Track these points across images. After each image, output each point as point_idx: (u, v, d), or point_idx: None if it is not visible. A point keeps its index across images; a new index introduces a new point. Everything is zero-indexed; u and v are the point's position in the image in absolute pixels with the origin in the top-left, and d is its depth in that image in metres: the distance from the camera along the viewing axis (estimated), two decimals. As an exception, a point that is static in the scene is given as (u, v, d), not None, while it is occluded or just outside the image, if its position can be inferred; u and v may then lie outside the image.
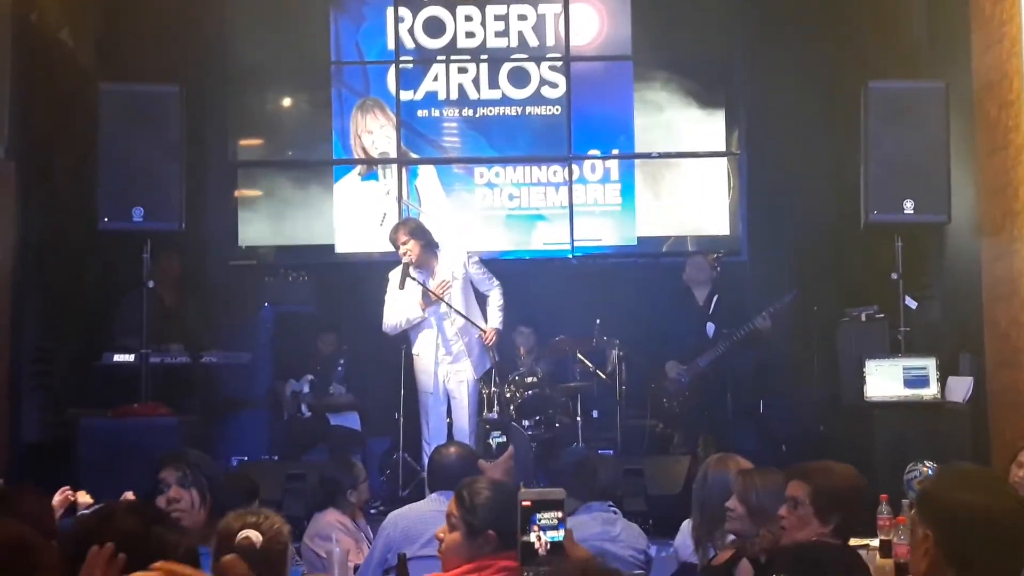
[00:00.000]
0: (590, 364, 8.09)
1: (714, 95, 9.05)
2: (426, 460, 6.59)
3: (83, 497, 4.13)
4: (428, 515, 4.42)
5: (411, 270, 7.00)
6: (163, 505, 3.78)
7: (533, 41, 9.08)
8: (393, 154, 8.96)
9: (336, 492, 5.35)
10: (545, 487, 3.87)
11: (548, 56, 9.05)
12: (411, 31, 9.06)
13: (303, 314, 8.77)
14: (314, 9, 9.06)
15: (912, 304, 7.02)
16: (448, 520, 3.38)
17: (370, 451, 8.08)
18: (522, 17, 9.09)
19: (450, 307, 7.05)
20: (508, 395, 7.64)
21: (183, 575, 2.19)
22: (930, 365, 6.70)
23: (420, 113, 9.05)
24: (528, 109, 9.05)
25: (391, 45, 9.02)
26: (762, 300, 7.72)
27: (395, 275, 7.09)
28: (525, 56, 9.06)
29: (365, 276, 7.90)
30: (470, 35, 9.09)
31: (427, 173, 9.05)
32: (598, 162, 9.05)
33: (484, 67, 9.05)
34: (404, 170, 8.95)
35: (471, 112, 9.06)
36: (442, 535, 3.40)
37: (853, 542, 3.84)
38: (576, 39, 9.01)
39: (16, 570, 2.32)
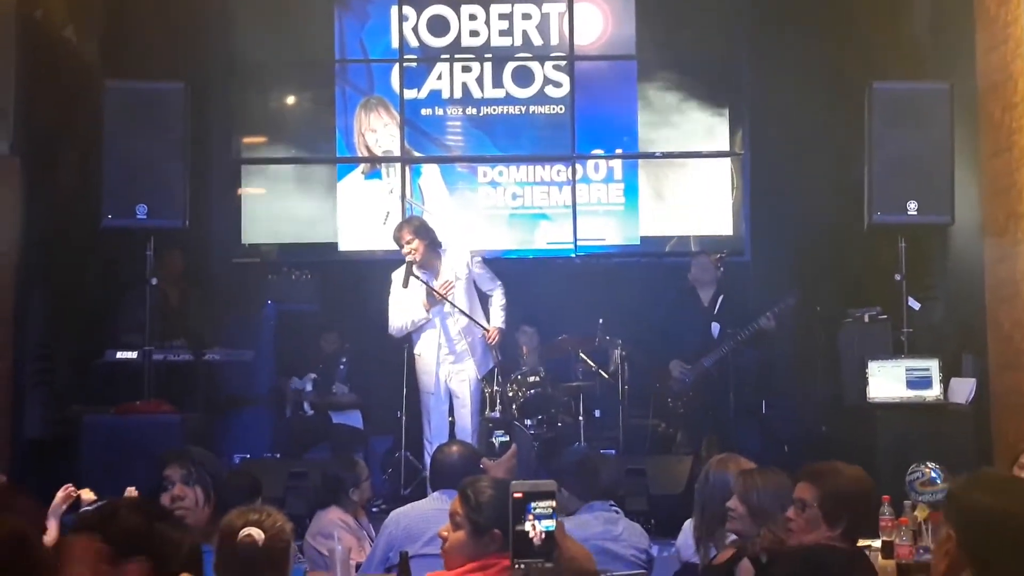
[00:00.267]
0: (593, 363, 8.08)
1: (718, 95, 9.05)
2: (428, 459, 6.59)
3: (86, 494, 4.13)
4: (430, 513, 4.42)
5: (415, 269, 6.99)
6: (167, 503, 3.78)
7: (537, 40, 9.08)
8: (397, 152, 8.96)
9: (338, 490, 5.36)
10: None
11: (552, 55, 9.05)
12: (415, 29, 9.06)
13: (306, 312, 8.76)
14: (318, 7, 9.07)
15: (915, 305, 7.02)
16: (452, 519, 3.38)
17: (372, 450, 8.08)
18: (526, 16, 9.09)
19: (454, 306, 7.05)
20: (510, 394, 7.64)
21: None
22: (933, 366, 6.69)
23: (424, 112, 9.06)
24: (532, 108, 9.05)
25: (395, 43, 9.02)
26: (765, 300, 7.71)
27: (398, 275, 7.08)
28: (529, 55, 9.07)
29: (368, 274, 7.90)
30: (474, 34, 9.09)
31: (430, 172, 9.06)
32: (601, 161, 9.05)
33: (488, 66, 9.05)
34: (407, 169, 8.95)
35: (475, 111, 9.06)
36: (445, 533, 3.39)
37: (855, 543, 3.83)
38: (580, 38, 9.02)
39: (13, 565, 2.32)
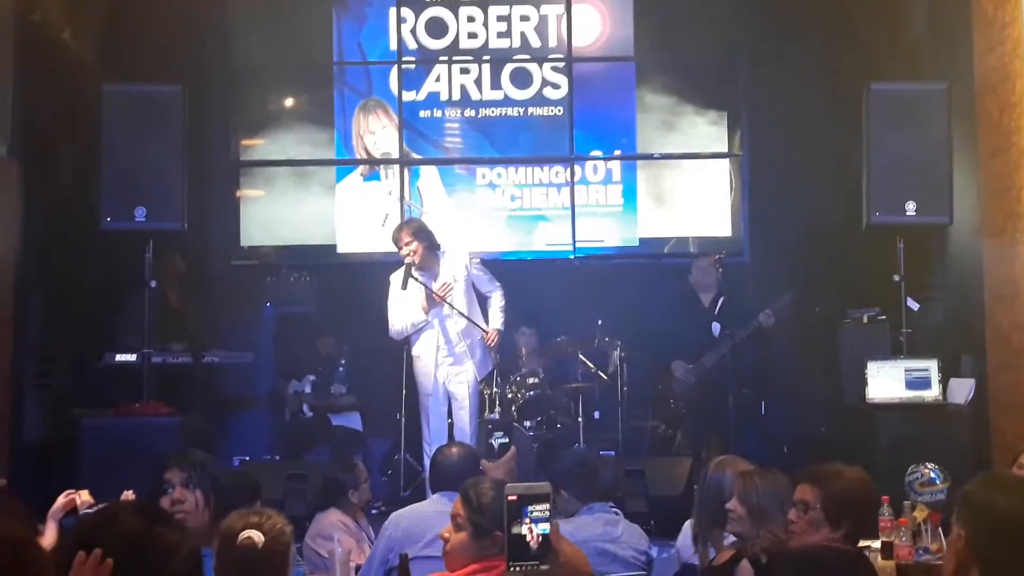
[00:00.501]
0: (592, 365, 8.08)
1: (716, 96, 9.05)
2: (427, 461, 6.59)
3: (84, 496, 4.12)
4: (430, 515, 4.42)
5: (414, 271, 6.99)
6: (167, 506, 3.78)
7: (535, 42, 9.08)
8: (395, 154, 8.96)
9: (338, 492, 5.36)
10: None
11: (550, 57, 9.05)
12: (413, 31, 9.06)
13: (305, 314, 8.76)
14: (317, 9, 9.06)
15: (914, 306, 7.02)
16: (454, 521, 3.38)
17: (371, 452, 8.09)
18: (524, 18, 9.09)
19: (453, 308, 7.05)
20: (509, 396, 7.64)
21: None
22: (932, 367, 6.70)
23: (422, 113, 9.06)
24: (530, 110, 9.05)
25: (393, 45, 9.02)
26: (764, 301, 7.71)
27: (396, 277, 7.08)
28: (527, 57, 9.06)
29: (367, 276, 7.90)
30: (472, 36, 9.09)
31: (429, 174, 9.06)
32: (600, 163, 9.05)
33: (486, 68, 9.05)
34: (406, 170, 8.95)
35: (473, 113, 9.06)
36: (447, 535, 3.40)
37: (854, 544, 3.83)
38: (578, 40, 9.02)
39: (7, 570, 2.32)
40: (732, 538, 4.00)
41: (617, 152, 9.07)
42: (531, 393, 7.73)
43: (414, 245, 7.00)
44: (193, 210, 6.90)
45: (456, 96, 9.05)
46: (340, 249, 8.94)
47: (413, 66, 9.07)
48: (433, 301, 7.02)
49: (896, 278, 6.88)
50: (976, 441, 6.54)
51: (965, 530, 2.51)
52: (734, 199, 8.97)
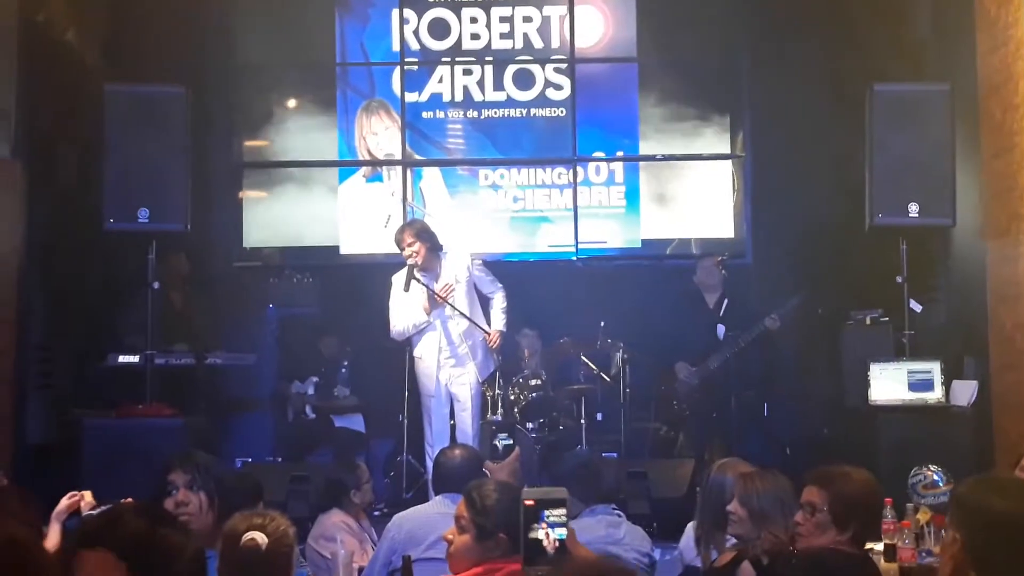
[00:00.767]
0: (594, 366, 8.08)
1: (718, 97, 9.05)
2: (429, 463, 6.59)
3: (87, 498, 4.12)
4: (433, 517, 4.42)
5: (416, 272, 6.99)
6: (171, 507, 3.77)
7: (538, 43, 9.09)
8: (398, 155, 8.97)
9: (340, 493, 5.36)
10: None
11: (553, 58, 9.05)
12: (416, 33, 9.07)
13: (308, 315, 8.77)
14: (319, 10, 9.07)
15: (917, 307, 7.02)
16: (458, 522, 3.38)
17: (374, 453, 8.09)
18: (527, 19, 9.09)
19: (455, 309, 7.05)
20: (512, 397, 7.64)
21: None
22: (934, 369, 6.69)
23: (425, 115, 9.06)
24: (533, 111, 9.06)
25: (396, 47, 9.03)
26: (767, 303, 7.71)
27: (398, 278, 7.09)
28: (530, 58, 9.07)
29: (369, 278, 7.89)
30: (475, 37, 9.10)
31: (432, 175, 9.06)
32: (602, 164, 9.05)
33: (489, 69, 9.06)
34: (409, 172, 8.96)
35: (476, 114, 9.07)
36: (451, 537, 3.40)
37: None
38: (581, 41, 9.02)
39: (11, 572, 2.32)
40: (734, 540, 4.00)
41: (619, 153, 9.07)
42: (533, 395, 7.72)
43: (416, 246, 7.00)
44: (196, 211, 6.90)
45: (459, 97, 9.05)
46: (343, 250, 8.94)
47: (416, 67, 9.07)
48: (435, 302, 7.02)
49: (899, 279, 6.88)
50: (979, 443, 6.53)
51: (960, 533, 2.48)
52: (736, 200, 8.98)
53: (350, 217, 8.97)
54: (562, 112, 9.00)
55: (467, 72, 9.07)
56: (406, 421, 7.57)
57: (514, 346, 7.98)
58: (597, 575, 2.36)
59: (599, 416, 8.04)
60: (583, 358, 8.14)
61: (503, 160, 9.04)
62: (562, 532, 2.79)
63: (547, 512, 2.78)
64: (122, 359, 6.83)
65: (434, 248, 7.11)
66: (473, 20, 9.09)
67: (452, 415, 7.20)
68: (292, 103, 9.15)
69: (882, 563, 4.49)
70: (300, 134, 9.06)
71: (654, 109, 9.04)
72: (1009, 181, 6.48)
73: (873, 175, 6.82)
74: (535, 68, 9.06)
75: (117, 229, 6.69)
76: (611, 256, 9.02)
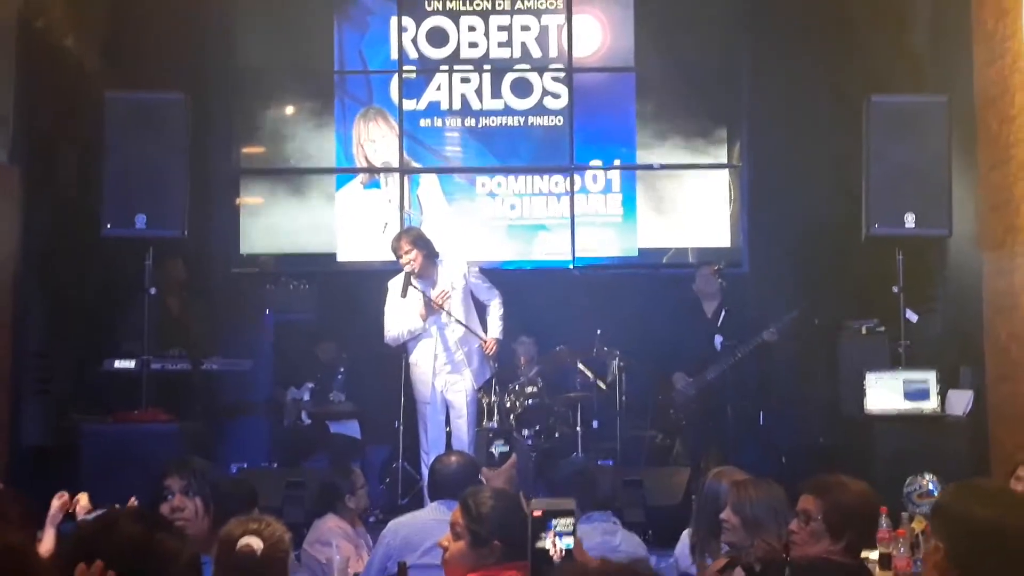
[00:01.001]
0: (590, 374, 8.09)
1: (716, 107, 9.07)
2: (425, 469, 6.60)
3: (83, 500, 4.12)
4: (429, 524, 4.43)
5: (413, 279, 7.00)
6: (167, 513, 3.77)
7: (536, 52, 9.10)
8: (395, 163, 8.98)
9: (334, 498, 5.37)
10: (544, 498, 3.89)
11: (551, 67, 9.07)
12: (414, 41, 9.08)
13: (304, 322, 8.77)
14: (318, 18, 9.08)
15: (913, 317, 7.04)
16: (453, 529, 3.38)
17: (369, 459, 8.08)
18: (525, 28, 9.11)
19: (450, 316, 7.06)
20: (508, 405, 7.65)
21: None
22: (930, 378, 6.71)
23: (423, 122, 9.07)
24: (530, 119, 9.07)
25: (394, 54, 9.04)
26: (763, 312, 7.73)
27: (395, 284, 7.09)
28: (528, 67, 9.08)
29: (366, 285, 7.90)
30: (473, 45, 9.11)
31: (429, 182, 9.07)
32: (600, 173, 9.07)
33: (487, 77, 9.07)
34: (406, 179, 8.96)
35: (473, 122, 9.08)
36: (446, 543, 3.40)
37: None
38: (579, 50, 9.04)
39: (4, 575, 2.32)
40: (728, 548, 4.01)
41: (617, 162, 9.08)
42: (530, 402, 7.73)
43: (413, 253, 7.01)
44: (193, 217, 6.91)
45: (456, 105, 9.07)
46: (340, 257, 8.95)
47: (414, 75, 9.09)
48: (431, 309, 7.03)
49: (895, 289, 6.89)
50: (974, 453, 6.55)
51: (942, 542, 2.46)
52: (733, 210, 8.99)
53: (347, 224, 8.98)
54: (560, 121, 9.02)
55: (465, 80, 9.09)
56: (402, 427, 7.57)
57: (511, 353, 7.98)
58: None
59: (595, 424, 8.04)
60: (579, 366, 8.14)
61: (500, 168, 9.05)
62: (569, 542, 2.81)
63: (555, 521, 2.79)
64: (118, 364, 6.84)
65: (430, 255, 7.12)
66: (471, 29, 9.11)
67: (448, 422, 7.20)
68: (290, 110, 9.17)
69: (877, 572, 4.49)
70: (298, 141, 9.08)
71: (651, 118, 9.06)
72: (1005, 193, 6.50)
73: (870, 185, 6.83)
74: (533, 77, 9.08)
75: (115, 235, 6.70)
76: (608, 265, 9.02)
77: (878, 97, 6.91)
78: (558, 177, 9.01)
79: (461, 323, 7.08)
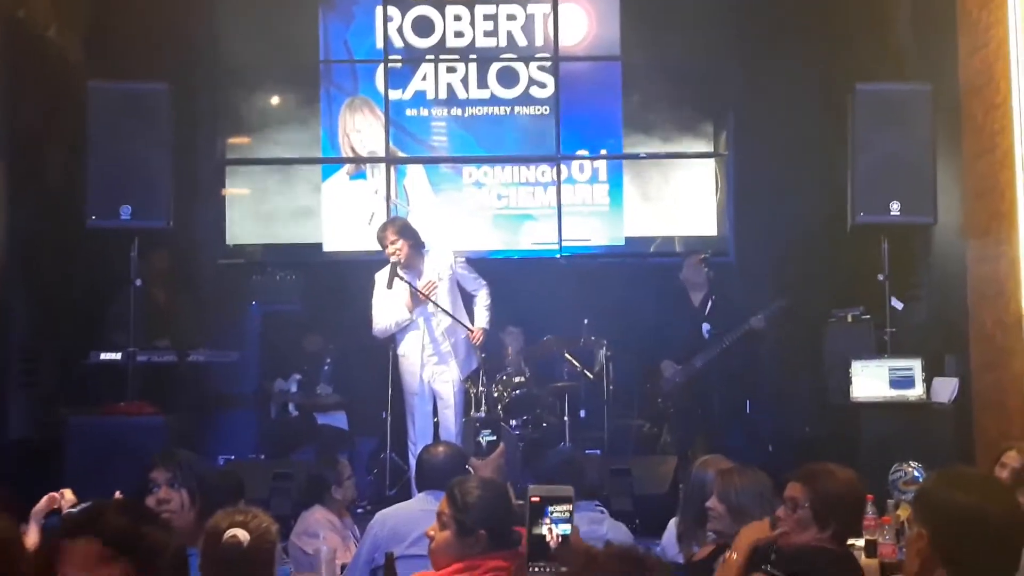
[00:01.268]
0: (578, 364, 8.10)
1: (702, 96, 9.08)
2: (412, 460, 6.60)
3: (68, 495, 4.10)
4: (416, 514, 4.43)
5: (399, 270, 6.99)
6: (153, 505, 3.77)
7: (522, 41, 9.10)
8: (381, 153, 8.96)
9: (321, 489, 5.36)
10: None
11: (537, 56, 9.06)
12: (400, 30, 9.07)
13: (291, 313, 8.76)
14: (303, 8, 9.06)
15: (898, 305, 7.06)
16: (439, 519, 3.39)
17: (357, 450, 8.08)
18: (511, 17, 9.10)
19: (437, 307, 7.05)
20: (495, 395, 7.65)
21: None
22: (916, 366, 6.73)
23: (409, 112, 9.06)
24: (517, 109, 9.07)
25: (380, 44, 9.02)
26: (749, 301, 7.74)
27: (382, 276, 7.08)
28: (514, 56, 9.08)
29: (353, 275, 7.89)
30: (459, 35, 9.10)
31: (415, 172, 9.06)
32: (586, 162, 9.07)
33: (473, 67, 9.06)
34: (392, 169, 8.95)
35: (460, 111, 9.07)
36: (432, 533, 3.41)
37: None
38: (565, 39, 9.03)
39: None
40: (714, 535, 4.02)
41: (603, 151, 9.09)
42: (517, 392, 7.74)
43: (399, 244, 7.00)
44: (179, 208, 6.89)
45: (443, 95, 9.06)
46: (326, 248, 8.94)
47: (399, 65, 9.07)
48: (418, 299, 7.02)
49: (880, 278, 6.91)
50: (960, 440, 6.57)
51: (925, 529, 2.47)
52: (720, 199, 9.01)
53: (334, 214, 8.97)
54: (546, 110, 9.02)
55: (451, 70, 9.08)
56: (389, 418, 7.57)
57: (498, 343, 7.98)
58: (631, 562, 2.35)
59: (582, 413, 8.07)
60: (567, 355, 8.15)
61: (487, 158, 9.05)
62: (566, 528, 2.82)
63: (551, 508, 2.81)
64: (104, 356, 6.82)
65: (416, 245, 7.11)
66: (457, 18, 9.10)
67: (435, 412, 7.21)
68: (275, 100, 9.14)
69: (863, 559, 4.51)
70: (283, 131, 9.05)
71: (638, 107, 9.06)
72: (990, 180, 6.52)
73: (855, 174, 6.85)
74: (519, 66, 9.07)
75: (99, 226, 6.67)
76: (595, 254, 9.04)
77: (863, 86, 6.92)
78: (545, 167, 9.01)
79: (448, 313, 7.08)
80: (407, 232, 7.08)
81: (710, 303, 7.84)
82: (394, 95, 8.99)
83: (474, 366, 7.29)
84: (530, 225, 9.02)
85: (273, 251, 9.04)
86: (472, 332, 7.16)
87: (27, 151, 7.14)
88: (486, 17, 9.11)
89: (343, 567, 4.56)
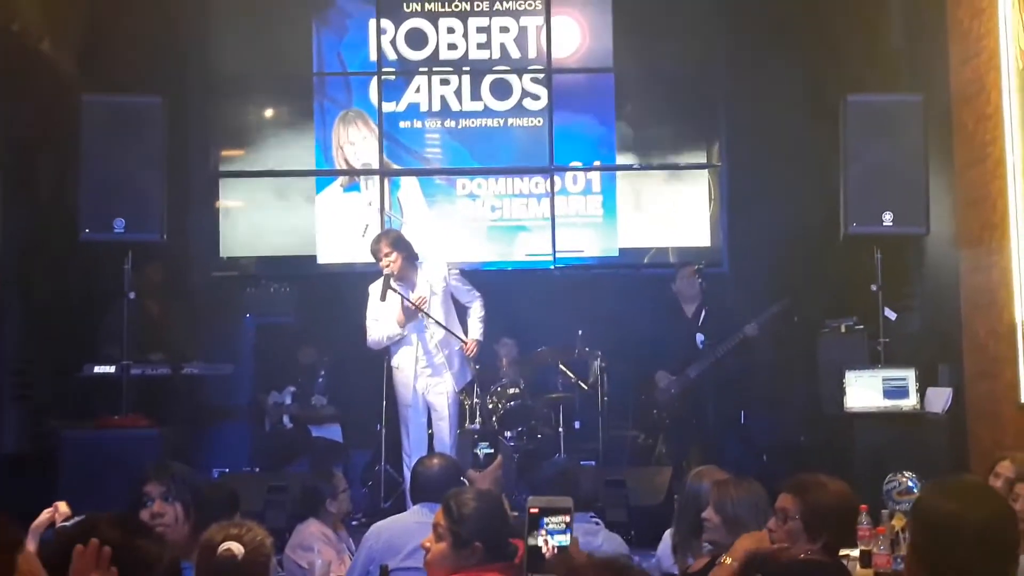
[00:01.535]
0: (572, 375, 8.10)
1: (695, 107, 9.10)
2: (407, 472, 6.59)
3: (62, 508, 4.09)
4: (411, 526, 4.42)
5: (392, 282, 6.99)
6: (147, 518, 3.76)
7: (515, 53, 9.12)
8: (375, 165, 8.97)
9: (316, 502, 5.35)
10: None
11: (530, 68, 9.08)
12: (393, 43, 9.08)
13: (285, 325, 8.76)
14: (296, 21, 9.07)
15: (891, 315, 7.06)
16: (435, 530, 3.39)
17: (351, 463, 8.07)
18: (504, 29, 9.12)
19: (430, 318, 7.05)
20: (490, 406, 7.65)
21: None
22: (909, 376, 6.74)
23: (402, 124, 9.07)
24: (510, 121, 9.08)
25: (373, 56, 9.04)
26: (743, 311, 7.75)
27: (375, 288, 7.08)
28: (507, 68, 9.10)
29: (347, 287, 7.88)
30: (452, 47, 9.12)
31: (409, 184, 9.06)
32: (580, 174, 9.08)
33: (466, 79, 9.08)
34: (386, 181, 8.96)
35: (453, 124, 9.08)
36: (428, 545, 3.41)
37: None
38: (558, 51, 9.05)
39: None
40: (709, 547, 4.02)
41: (597, 163, 9.10)
42: (511, 403, 7.74)
43: (393, 256, 7.00)
44: (172, 221, 6.89)
45: (436, 107, 9.07)
46: (320, 260, 8.94)
47: (393, 77, 9.09)
48: (411, 313, 7.02)
49: (873, 288, 6.92)
50: (954, 450, 6.58)
51: (912, 537, 2.49)
52: (713, 210, 9.02)
53: (327, 227, 8.97)
54: (539, 122, 9.03)
55: (444, 82, 9.09)
56: (384, 430, 7.56)
57: (492, 355, 7.98)
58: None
59: (577, 424, 8.06)
60: (561, 366, 8.15)
61: (480, 169, 9.06)
62: (563, 539, 2.83)
63: (547, 520, 2.81)
64: (98, 369, 6.80)
65: (410, 258, 7.11)
66: (450, 30, 9.12)
67: (430, 424, 7.20)
68: (269, 113, 9.15)
69: (858, 569, 4.51)
70: (277, 144, 9.06)
71: (631, 119, 9.08)
72: (982, 190, 6.54)
73: (847, 184, 6.86)
74: (512, 78, 9.09)
75: (93, 239, 6.67)
76: (588, 265, 9.04)
77: (854, 97, 6.94)
78: (538, 178, 9.03)
79: (441, 325, 7.07)
80: (401, 244, 7.08)
81: (703, 315, 7.84)
82: (388, 107, 9.00)
83: (468, 378, 7.28)
84: (524, 236, 9.03)
85: (267, 263, 9.03)
86: (466, 344, 7.15)
87: (21, 164, 7.15)
88: (479, 29, 9.13)
89: (338, 580, 4.55)
